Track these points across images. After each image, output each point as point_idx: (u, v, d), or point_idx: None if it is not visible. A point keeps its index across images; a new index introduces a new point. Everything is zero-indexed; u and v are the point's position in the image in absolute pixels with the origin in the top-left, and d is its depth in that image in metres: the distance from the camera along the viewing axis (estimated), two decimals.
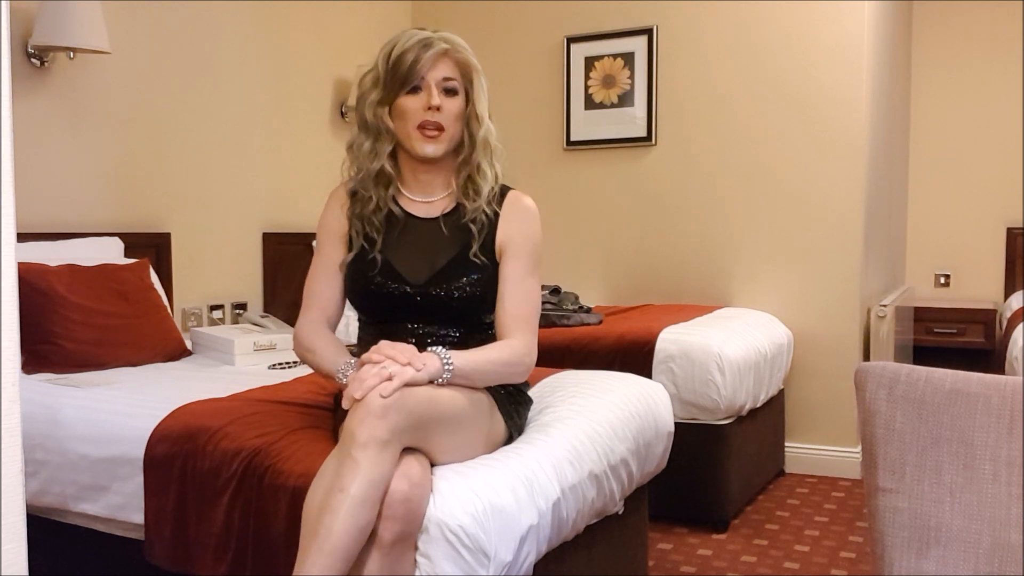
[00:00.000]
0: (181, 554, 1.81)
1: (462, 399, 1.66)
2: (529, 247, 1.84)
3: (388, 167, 1.83)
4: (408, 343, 1.73)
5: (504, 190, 1.89)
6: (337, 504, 1.43)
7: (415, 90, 1.78)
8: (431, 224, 1.85)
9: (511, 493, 1.58)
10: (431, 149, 1.79)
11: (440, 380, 1.60)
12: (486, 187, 1.82)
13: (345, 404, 1.53)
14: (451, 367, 1.62)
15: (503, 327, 1.79)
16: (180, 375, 2.48)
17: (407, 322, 1.80)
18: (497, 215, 1.84)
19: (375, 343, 1.82)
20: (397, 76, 1.77)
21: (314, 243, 3.74)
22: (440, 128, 1.78)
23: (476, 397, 1.72)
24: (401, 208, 1.87)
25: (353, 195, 1.87)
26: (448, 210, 1.86)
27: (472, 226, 1.82)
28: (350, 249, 1.85)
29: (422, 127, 1.78)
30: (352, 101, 3.89)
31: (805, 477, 3.64)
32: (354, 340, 3.04)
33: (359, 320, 1.91)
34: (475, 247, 1.80)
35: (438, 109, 1.76)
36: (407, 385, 1.52)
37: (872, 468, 1.25)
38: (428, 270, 1.80)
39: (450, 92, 1.79)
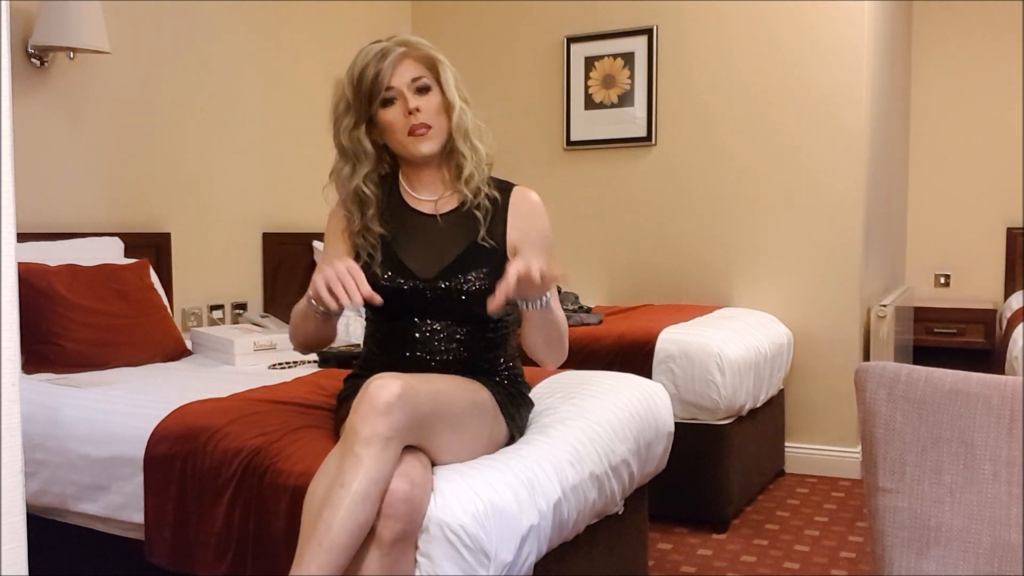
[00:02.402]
0: (181, 554, 1.81)
1: (465, 399, 1.68)
2: (544, 243, 1.88)
3: (364, 187, 1.84)
4: (416, 340, 1.79)
5: (508, 186, 1.91)
6: (338, 500, 1.43)
7: (390, 102, 1.79)
8: (437, 220, 1.87)
9: (512, 493, 1.58)
10: (427, 147, 1.81)
11: (541, 302, 1.64)
12: (468, 168, 1.83)
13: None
14: (549, 297, 1.66)
15: None
16: (180, 375, 2.48)
17: (415, 318, 1.81)
18: (502, 205, 1.86)
19: (383, 341, 1.84)
20: (363, 93, 1.79)
21: (315, 243, 3.76)
22: (428, 126, 1.80)
23: (479, 397, 1.73)
24: (409, 207, 1.89)
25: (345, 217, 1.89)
26: (451, 207, 1.88)
27: (476, 212, 1.84)
28: (357, 257, 1.87)
29: (412, 131, 1.79)
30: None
31: (805, 477, 3.64)
32: (353, 340, 3.05)
33: (366, 319, 1.92)
34: (482, 231, 1.82)
35: (418, 110, 1.78)
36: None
37: (872, 468, 1.25)
38: (437, 264, 1.81)
39: (423, 90, 1.81)
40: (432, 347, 1.80)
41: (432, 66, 1.82)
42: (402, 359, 1.79)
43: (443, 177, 1.89)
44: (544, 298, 1.65)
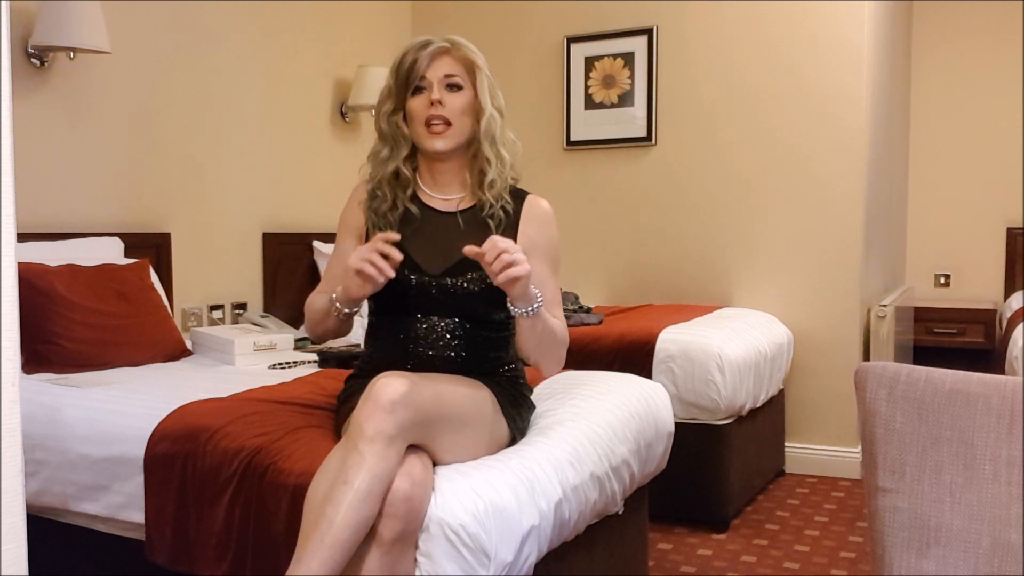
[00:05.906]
0: (182, 553, 1.81)
1: (468, 399, 1.69)
2: (551, 251, 1.90)
3: (404, 169, 1.87)
4: (419, 336, 1.79)
5: (522, 194, 1.91)
6: (340, 497, 1.44)
7: (420, 91, 1.82)
8: (449, 218, 1.88)
9: (512, 493, 1.58)
10: (440, 144, 1.82)
11: (529, 310, 1.65)
12: (491, 174, 1.84)
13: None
14: (540, 304, 1.67)
15: None
16: (180, 375, 2.48)
17: (419, 313, 1.81)
18: (515, 213, 1.87)
19: (386, 336, 1.84)
20: (400, 79, 1.82)
21: (315, 243, 3.76)
22: (447, 123, 1.81)
23: (481, 397, 1.74)
24: (421, 202, 1.90)
25: (372, 193, 1.90)
26: (466, 206, 1.89)
27: (490, 221, 1.85)
28: (367, 241, 1.87)
29: (427, 123, 1.80)
30: (352, 101, 3.91)
31: (805, 477, 3.64)
32: (353, 340, 3.05)
33: (369, 316, 1.92)
34: None
35: (440, 103, 1.79)
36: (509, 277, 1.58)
37: (872, 468, 1.25)
38: (444, 261, 1.81)
39: (453, 88, 1.82)
40: (434, 343, 1.79)
41: (470, 69, 1.84)
42: (404, 355, 1.79)
43: (463, 179, 1.90)
44: (531, 307, 1.65)
